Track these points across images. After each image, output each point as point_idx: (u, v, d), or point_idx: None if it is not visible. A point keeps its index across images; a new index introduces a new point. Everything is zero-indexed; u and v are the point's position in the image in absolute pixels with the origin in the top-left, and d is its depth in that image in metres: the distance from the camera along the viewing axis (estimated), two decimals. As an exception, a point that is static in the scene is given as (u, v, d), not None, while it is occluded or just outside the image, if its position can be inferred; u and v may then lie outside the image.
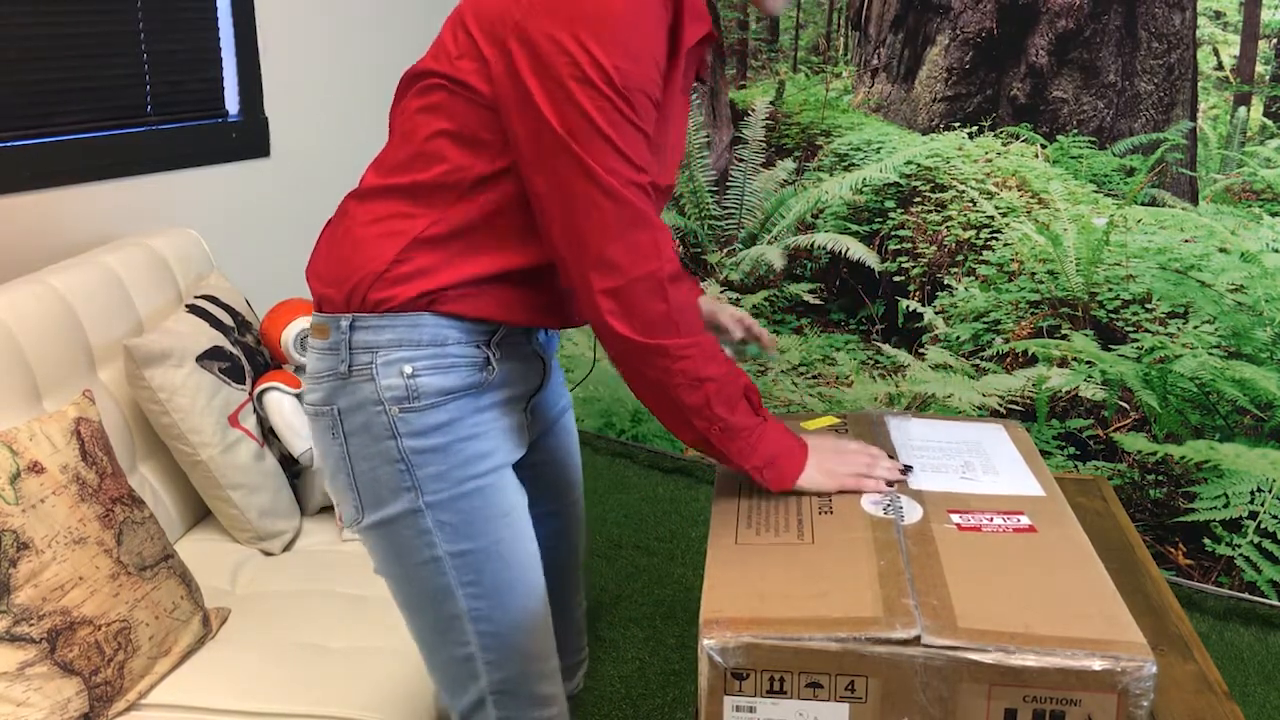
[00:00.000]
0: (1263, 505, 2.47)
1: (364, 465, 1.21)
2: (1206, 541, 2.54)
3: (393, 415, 1.18)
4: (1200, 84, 2.38)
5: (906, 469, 1.27)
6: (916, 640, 0.97)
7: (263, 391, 2.00)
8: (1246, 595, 2.53)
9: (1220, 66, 2.36)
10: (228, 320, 2.02)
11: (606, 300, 1.11)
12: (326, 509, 2.10)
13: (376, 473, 1.21)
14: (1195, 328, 2.45)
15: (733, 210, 2.95)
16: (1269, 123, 2.33)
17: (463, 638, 1.27)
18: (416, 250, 1.16)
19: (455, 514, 1.22)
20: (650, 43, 1.07)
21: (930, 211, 2.69)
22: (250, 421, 1.97)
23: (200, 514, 2.03)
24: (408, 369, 1.18)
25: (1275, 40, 2.30)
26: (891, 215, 2.74)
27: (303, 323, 2.06)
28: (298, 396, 2.03)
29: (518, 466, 1.38)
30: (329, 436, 1.22)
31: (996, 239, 2.63)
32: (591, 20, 1.04)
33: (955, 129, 2.63)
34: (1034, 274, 2.60)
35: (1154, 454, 2.56)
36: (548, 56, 1.06)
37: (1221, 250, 2.40)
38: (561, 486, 1.51)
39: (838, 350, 2.90)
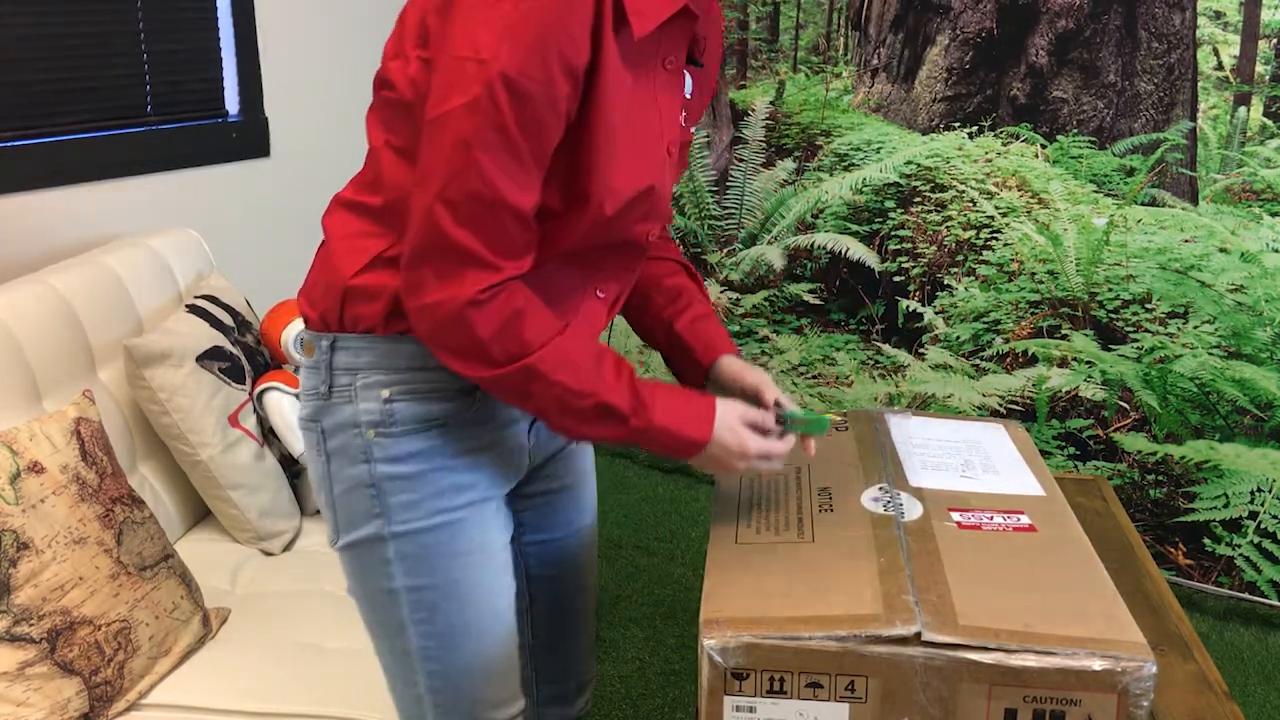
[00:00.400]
0: (1263, 505, 2.47)
1: (340, 486, 1.18)
2: (1206, 541, 2.54)
3: (368, 439, 1.15)
4: (1200, 84, 2.38)
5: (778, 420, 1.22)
6: (917, 637, 0.97)
7: (263, 391, 2.00)
8: (1246, 595, 2.53)
9: (1220, 66, 2.36)
10: (228, 320, 2.02)
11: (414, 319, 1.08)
12: (326, 509, 2.10)
13: (350, 495, 1.17)
14: (1195, 328, 2.45)
15: (733, 210, 2.95)
16: (1269, 123, 2.33)
17: (412, 675, 1.23)
18: (381, 267, 1.12)
19: (418, 546, 1.17)
20: (552, 35, 0.99)
21: (930, 211, 2.69)
22: (250, 421, 1.97)
23: (200, 514, 2.03)
24: (385, 393, 1.14)
25: (1275, 40, 2.30)
26: (891, 215, 2.74)
27: (303, 323, 2.06)
28: (297, 396, 2.02)
29: (524, 495, 1.35)
30: (315, 452, 1.19)
31: (996, 239, 2.63)
32: (484, 9, 0.99)
33: (955, 129, 2.63)
34: (1034, 274, 2.60)
35: (1154, 454, 2.56)
36: (444, 42, 1.01)
37: (1221, 250, 2.40)
38: (573, 513, 1.42)
39: (838, 350, 2.90)
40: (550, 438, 1.32)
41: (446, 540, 1.18)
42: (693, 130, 1.26)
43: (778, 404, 1.23)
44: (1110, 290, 2.52)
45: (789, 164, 2.85)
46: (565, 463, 1.39)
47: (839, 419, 1.45)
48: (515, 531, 1.36)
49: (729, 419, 1.15)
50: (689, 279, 1.36)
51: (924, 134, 2.67)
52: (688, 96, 1.19)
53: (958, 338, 2.72)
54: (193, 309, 1.98)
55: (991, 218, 2.62)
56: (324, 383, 1.16)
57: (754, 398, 1.24)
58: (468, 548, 1.19)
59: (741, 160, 2.91)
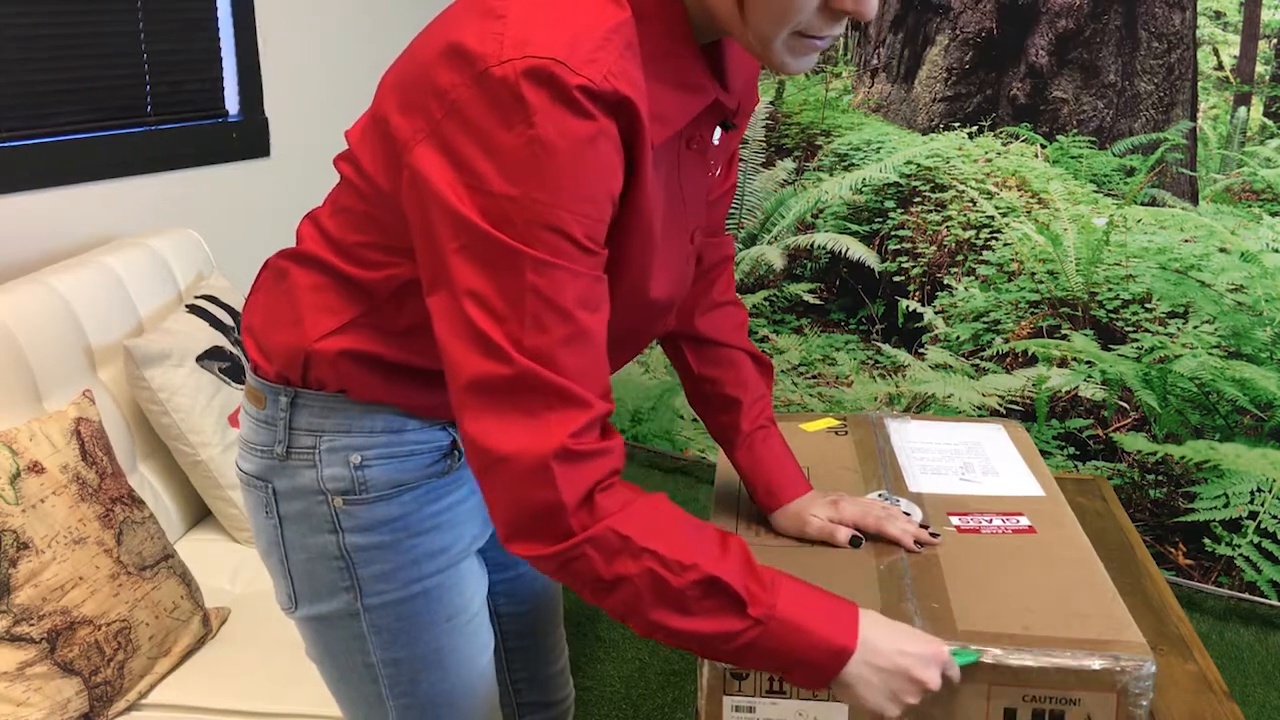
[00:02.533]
0: (1263, 505, 2.47)
1: (300, 555, 1.06)
2: (1206, 541, 2.54)
3: (335, 507, 1.03)
4: (1200, 84, 2.38)
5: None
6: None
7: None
8: (1246, 595, 2.53)
9: (1220, 66, 2.36)
10: (228, 320, 2.02)
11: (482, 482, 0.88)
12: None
13: (313, 566, 1.06)
14: (1195, 328, 2.45)
15: (733, 210, 2.95)
16: (1269, 123, 2.33)
17: None
18: (354, 330, 1.00)
19: (395, 618, 1.07)
20: (568, 161, 0.83)
21: (930, 211, 2.69)
22: (250, 421, 1.97)
23: (200, 514, 2.03)
24: (356, 458, 1.03)
25: (1275, 40, 2.30)
26: (891, 215, 2.74)
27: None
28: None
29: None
30: (262, 513, 1.07)
31: (996, 239, 2.63)
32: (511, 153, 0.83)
33: (955, 129, 2.63)
34: (1034, 274, 2.60)
35: (1154, 454, 2.56)
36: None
37: (1221, 250, 2.40)
38: None
39: (838, 350, 2.90)
40: None
41: (425, 609, 1.08)
42: (717, 173, 1.13)
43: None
44: (1110, 290, 2.52)
45: (789, 164, 2.85)
46: None
47: (838, 423, 1.45)
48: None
49: (888, 626, 0.93)
50: (754, 374, 1.23)
51: (924, 134, 2.67)
52: (714, 145, 1.05)
53: (958, 338, 2.72)
54: (193, 309, 1.98)
55: (991, 218, 2.62)
56: (280, 443, 1.04)
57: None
58: (447, 613, 1.10)
59: (741, 160, 2.91)
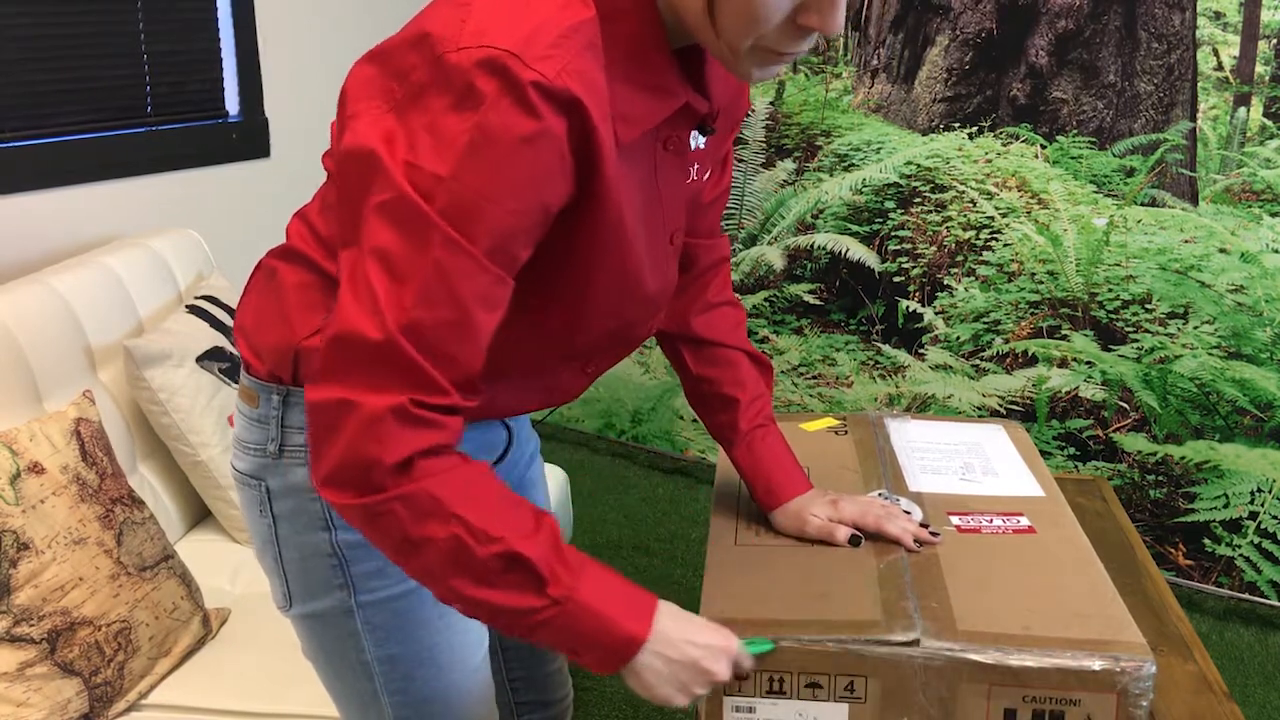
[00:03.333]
0: (1263, 505, 2.47)
1: (293, 553, 1.07)
2: (1206, 542, 2.54)
3: (327, 505, 1.03)
4: (1200, 84, 2.38)
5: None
6: (915, 644, 0.97)
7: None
8: (1246, 595, 2.53)
9: (1220, 67, 2.36)
10: (228, 321, 2.02)
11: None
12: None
13: (307, 564, 1.06)
14: (1195, 328, 2.45)
15: (733, 210, 2.95)
16: (1269, 123, 2.33)
17: None
18: None
19: (389, 615, 1.07)
20: (509, 164, 0.84)
21: (930, 212, 2.69)
22: (250, 422, 1.97)
23: (200, 514, 2.03)
24: None
25: (1275, 41, 2.30)
26: (891, 216, 2.74)
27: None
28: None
29: None
30: (256, 511, 1.08)
31: (996, 239, 2.63)
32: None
33: (955, 129, 2.63)
34: (1034, 274, 2.60)
35: (1154, 454, 2.56)
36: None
37: (1221, 251, 2.40)
38: None
39: (838, 351, 2.90)
40: (507, 477, 1.25)
41: (418, 606, 1.08)
42: (706, 176, 1.12)
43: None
44: (1110, 290, 2.52)
45: (789, 164, 2.85)
46: (521, 494, 1.27)
47: (838, 423, 1.45)
48: None
49: (677, 616, 0.95)
50: (752, 372, 1.24)
51: (924, 134, 2.67)
52: (699, 148, 1.06)
53: (958, 338, 2.72)
54: (193, 309, 1.98)
55: (991, 218, 2.62)
56: (273, 441, 1.04)
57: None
58: (440, 610, 1.10)
59: (741, 160, 2.91)
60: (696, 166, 1.07)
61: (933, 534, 1.14)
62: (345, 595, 1.07)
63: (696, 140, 1.04)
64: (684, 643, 0.93)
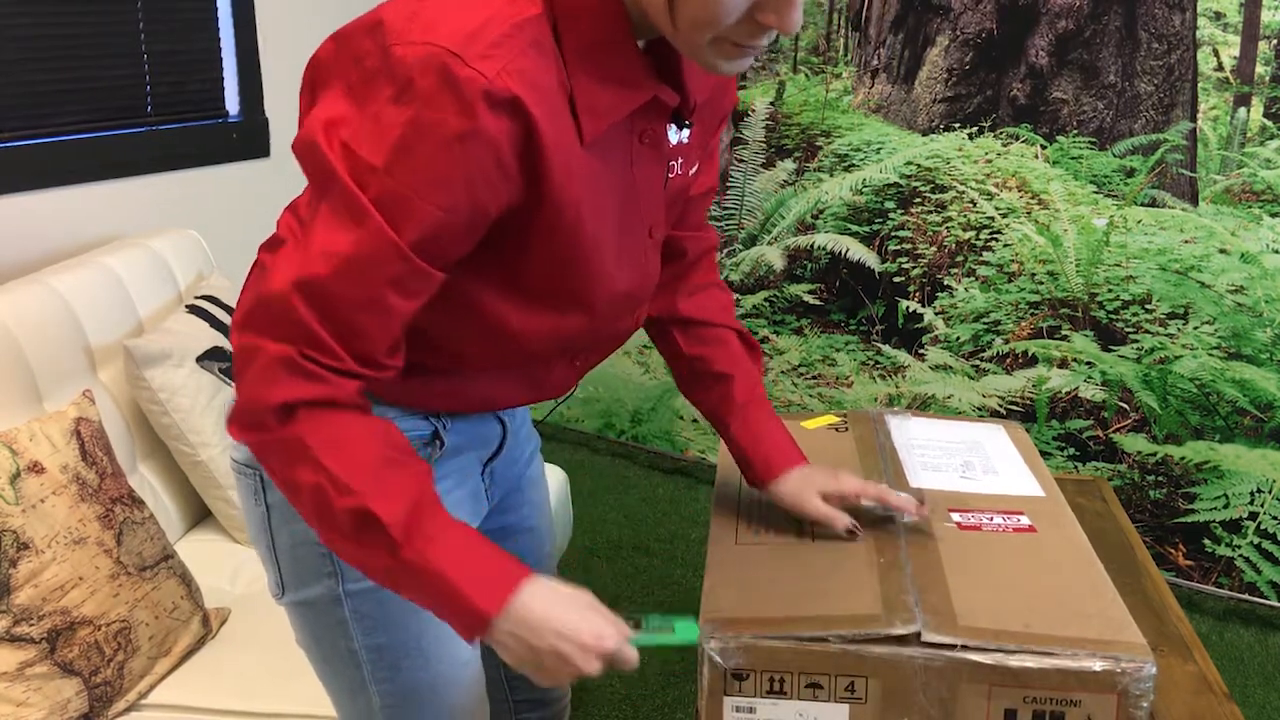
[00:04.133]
0: (1263, 506, 2.47)
1: (285, 540, 1.09)
2: (1206, 542, 2.54)
3: None
4: (1200, 85, 2.38)
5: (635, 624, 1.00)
6: (916, 637, 0.97)
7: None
8: (1246, 596, 2.53)
9: (1220, 67, 2.36)
10: (228, 320, 2.02)
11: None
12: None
13: (297, 551, 1.08)
14: (1195, 328, 2.45)
15: (733, 211, 2.95)
16: (1269, 124, 2.33)
17: None
18: None
19: (376, 604, 1.08)
20: (443, 164, 0.86)
21: (930, 212, 2.69)
22: (250, 422, 1.97)
23: (200, 514, 2.03)
24: None
25: (1275, 41, 2.30)
26: (891, 216, 2.74)
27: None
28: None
29: (483, 531, 1.26)
30: (251, 499, 1.10)
31: (996, 240, 2.63)
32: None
33: (955, 130, 2.63)
34: (1034, 275, 2.60)
35: (1154, 455, 2.56)
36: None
37: (1221, 251, 2.40)
38: (534, 544, 1.35)
39: (838, 351, 2.90)
40: (506, 474, 1.26)
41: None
42: (693, 171, 1.12)
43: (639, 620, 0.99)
44: (1110, 291, 2.52)
45: (789, 164, 2.85)
46: (521, 494, 1.31)
47: (838, 420, 1.45)
48: None
49: (553, 605, 0.93)
50: (743, 353, 1.25)
51: (924, 135, 2.67)
52: (683, 142, 1.07)
53: (958, 338, 2.72)
54: (193, 309, 1.98)
55: (991, 218, 2.62)
56: None
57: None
58: None
59: (741, 161, 2.91)
60: (681, 161, 1.08)
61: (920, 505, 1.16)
62: (334, 583, 1.08)
63: (678, 135, 1.05)
64: (549, 632, 0.92)
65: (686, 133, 1.06)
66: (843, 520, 1.15)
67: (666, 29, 0.90)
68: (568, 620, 0.93)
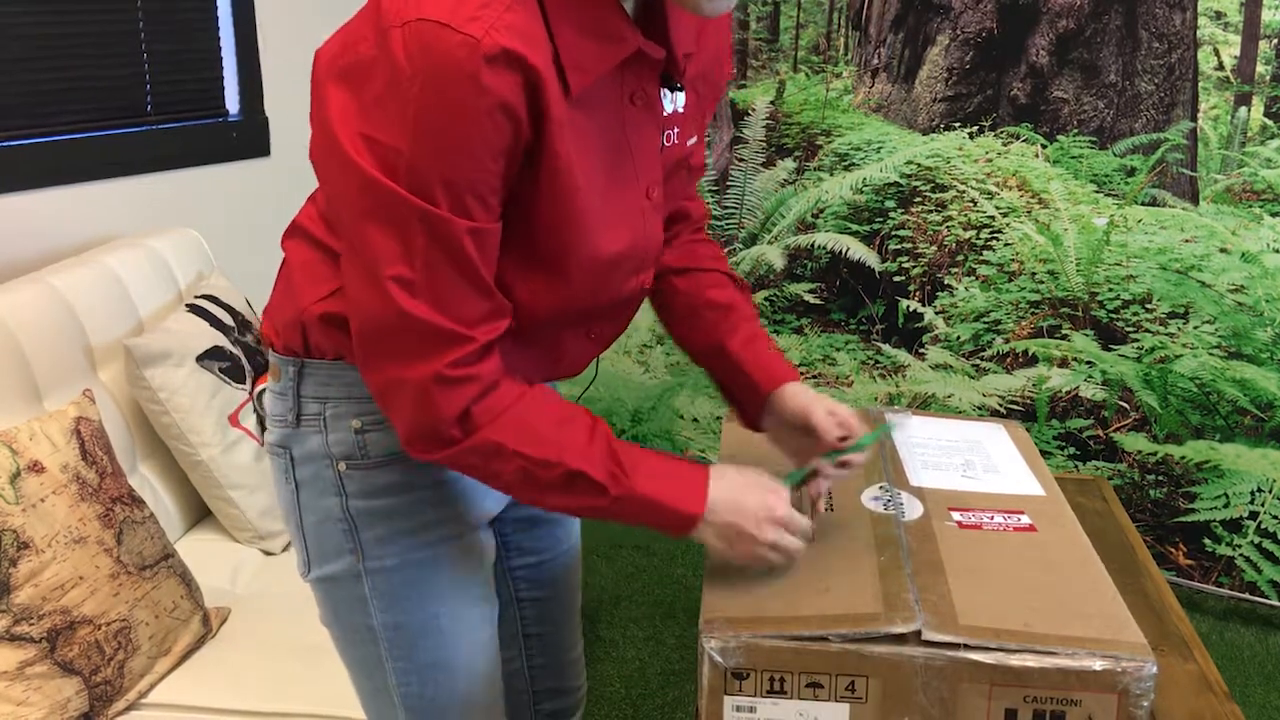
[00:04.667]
0: (1263, 505, 2.47)
1: (311, 518, 1.12)
2: (1207, 542, 2.54)
3: (340, 471, 1.09)
4: (1201, 84, 2.38)
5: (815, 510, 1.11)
6: (917, 635, 0.97)
7: (263, 391, 2.00)
8: (1247, 595, 2.53)
9: (1221, 67, 2.36)
10: (228, 320, 2.02)
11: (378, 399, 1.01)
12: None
13: (322, 528, 1.12)
14: (1195, 328, 2.45)
15: (733, 210, 2.95)
16: (1269, 123, 2.33)
17: (391, 712, 1.19)
18: (340, 296, 1.04)
19: (395, 583, 1.12)
20: (454, 123, 0.89)
21: (930, 211, 2.69)
22: (250, 421, 1.97)
23: (200, 514, 2.03)
24: (356, 423, 1.08)
25: (1275, 40, 2.30)
26: (892, 215, 2.74)
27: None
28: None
29: (507, 518, 1.31)
30: (283, 479, 1.13)
31: (997, 239, 2.63)
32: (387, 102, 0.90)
33: (956, 129, 2.63)
34: (1034, 274, 2.60)
35: (1154, 454, 2.56)
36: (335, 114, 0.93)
37: (1222, 250, 2.40)
38: (559, 531, 1.38)
39: (838, 350, 2.90)
40: None
41: (427, 576, 1.13)
42: (690, 142, 1.14)
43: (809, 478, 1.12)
44: (1110, 290, 2.52)
45: (789, 164, 2.85)
46: None
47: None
48: (501, 554, 1.32)
49: (733, 490, 1.04)
50: (737, 292, 1.27)
51: (924, 134, 2.67)
52: (678, 111, 1.09)
53: (958, 338, 2.72)
54: (193, 309, 1.98)
55: (992, 218, 2.62)
56: (291, 410, 1.10)
57: (814, 436, 1.15)
58: (445, 583, 1.14)
59: (741, 160, 2.91)
60: (677, 131, 1.10)
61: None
62: (354, 560, 1.12)
63: (672, 103, 1.07)
64: (730, 513, 1.03)
65: (681, 99, 1.08)
66: (834, 434, 1.15)
67: None
68: (744, 499, 1.03)
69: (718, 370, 1.24)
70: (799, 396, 1.18)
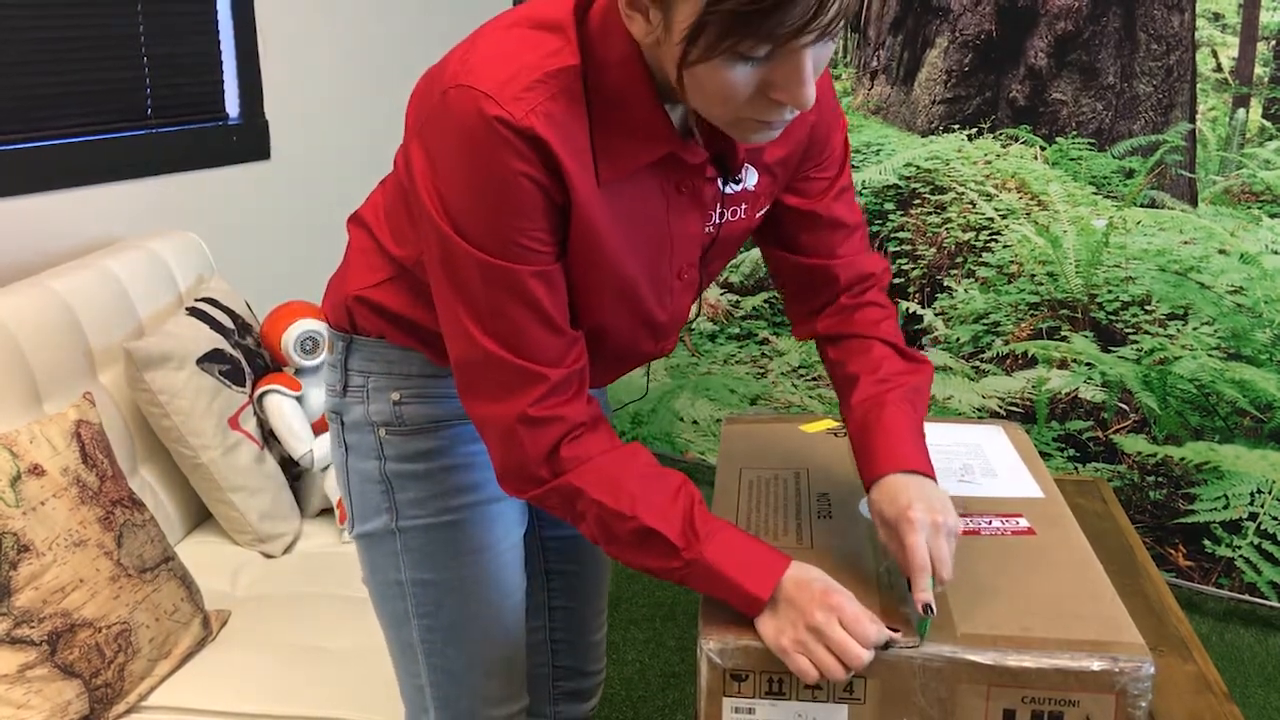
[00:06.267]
0: (1263, 506, 2.47)
1: (355, 479, 1.22)
2: (1206, 543, 2.54)
3: (380, 437, 1.18)
4: (1199, 86, 2.38)
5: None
6: (915, 647, 0.97)
7: (263, 394, 2.00)
8: (1247, 597, 2.53)
9: (1219, 68, 2.36)
10: (228, 323, 2.02)
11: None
12: (326, 511, 2.10)
13: (364, 488, 1.21)
14: (1195, 329, 2.45)
15: (732, 212, 2.95)
16: (1268, 124, 2.33)
17: (415, 667, 1.26)
18: (388, 287, 1.14)
19: (423, 542, 1.20)
20: (492, 179, 0.95)
21: (930, 213, 2.69)
22: (250, 424, 1.98)
23: (201, 516, 2.03)
24: (395, 395, 1.17)
25: (1274, 42, 2.31)
26: (891, 217, 2.74)
27: (303, 325, 2.06)
28: (298, 399, 2.03)
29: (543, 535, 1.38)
30: (336, 442, 1.23)
31: (996, 241, 2.63)
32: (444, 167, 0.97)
33: (955, 131, 2.63)
34: (1033, 276, 2.60)
35: (1154, 455, 2.56)
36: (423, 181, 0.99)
37: (1221, 252, 2.40)
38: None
39: (838, 352, 2.90)
40: None
41: (454, 538, 1.20)
42: (759, 215, 1.16)
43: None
44: (1110, 292, 2.52)
45: (789, 166, 2.85)
46: None
47: (838, 424, 1.46)
48: (533, 526, 1.37)
49: (805, 581, 0.99)
50: (887, 354, 1.18)
51: (923, 136, 2.67)
52: (747, 189, 1.10)
53: (957, 339, 2.72)
54: (193, 312, 1.98)
55: (991, 220, 2.62)
56: (340, 381, 1.20)
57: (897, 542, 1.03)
58: (472, 546, 1.21)
59: (741, 162, 2.91)
60: (745, 206, 1.13)
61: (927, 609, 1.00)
62: (389, 519, 1.20)
63: (742, 183, 1.10)
64: (812, 604, 0.98)
65: (753, 179, 1.11)
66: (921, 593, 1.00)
67: (685, 102, 0.96)
68: (833, 598, 0.97)
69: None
70: (885, 494, 1.06)
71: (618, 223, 1.03)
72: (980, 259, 2.65)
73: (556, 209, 0.99)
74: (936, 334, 2.75)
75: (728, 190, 1.10)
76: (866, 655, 0.95)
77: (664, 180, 1.05)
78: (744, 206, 1.13)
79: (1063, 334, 2.59)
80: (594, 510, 1.02)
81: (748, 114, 0.92)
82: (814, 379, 2.94)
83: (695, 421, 3.13)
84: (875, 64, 2.72)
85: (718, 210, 1.11)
